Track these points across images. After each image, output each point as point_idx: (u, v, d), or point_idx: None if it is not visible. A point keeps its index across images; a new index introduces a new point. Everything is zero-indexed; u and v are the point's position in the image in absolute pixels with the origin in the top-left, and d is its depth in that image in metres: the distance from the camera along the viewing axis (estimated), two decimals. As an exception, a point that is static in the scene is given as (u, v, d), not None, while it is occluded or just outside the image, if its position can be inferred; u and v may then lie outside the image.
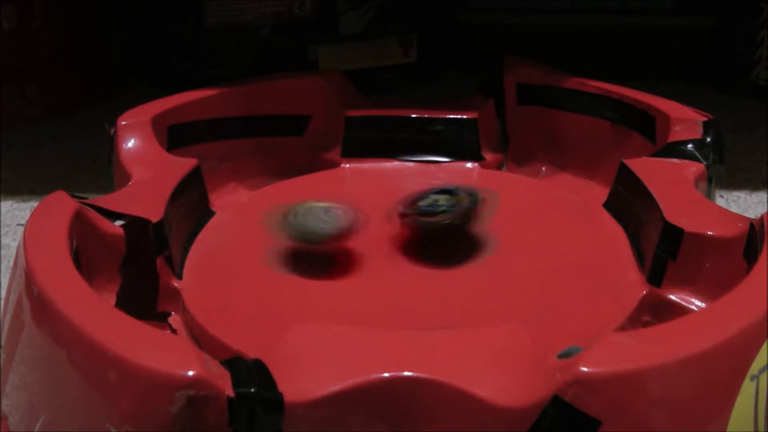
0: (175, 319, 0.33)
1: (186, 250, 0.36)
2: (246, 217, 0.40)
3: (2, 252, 0.44)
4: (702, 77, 0.67)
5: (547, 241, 0.37)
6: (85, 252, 0.31)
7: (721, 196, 0.49)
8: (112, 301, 0.31)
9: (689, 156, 0.38)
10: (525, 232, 0.38)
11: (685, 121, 0.40)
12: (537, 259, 0.36)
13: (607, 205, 0.39)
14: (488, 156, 0.46)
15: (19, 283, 0.28)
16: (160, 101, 0.42)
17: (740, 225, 0.32)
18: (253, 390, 0.22)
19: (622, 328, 0.31)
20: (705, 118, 0.40)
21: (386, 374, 0.22)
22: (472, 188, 0.37)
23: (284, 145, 0.47)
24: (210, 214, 0.39)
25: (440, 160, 0.46)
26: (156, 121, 0.40)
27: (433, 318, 0.33)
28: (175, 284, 0.34)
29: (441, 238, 0.37)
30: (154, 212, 0.33)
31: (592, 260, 0.36)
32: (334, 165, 0.46)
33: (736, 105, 0.64)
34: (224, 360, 0.23)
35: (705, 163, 0.37)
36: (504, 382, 0.22)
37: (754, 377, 0.24)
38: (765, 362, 0.24)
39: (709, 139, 0.38)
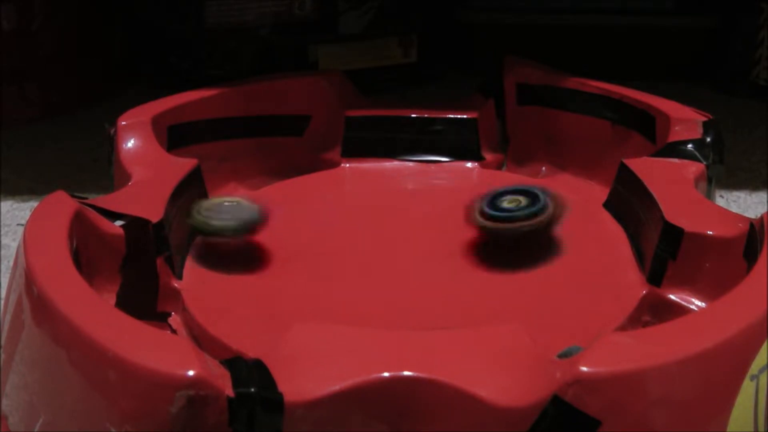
0: (175, 319, 0.33)
1: (186, 251, 0.36)
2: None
3: (2, 252, 0.44)
4: (702, 77, 0.67)
5: (547, 241, 0.37)
6: (85, 252, 0.31)
7: (721, 196, 0.49)
8: (112, 301, 0.31)
9: (689, 156, 0.38)
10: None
11: (685, 121, 0.40)
12: (537, 259, 0.36)
13: (607, 205, 0.39)
14: (488, 156, 0.46)
15: (19, 283, 0.28)
16: (160, 101, 0.42)
17: (740, 225, 0.32)
18: (253, 390, 0.22)
19: (622, 328, 0.31)
20: (705, 118, 0.40)
21: (386, 374, 0.22)
22: (550, 191, 0.36)
23: (284, 145, 0.47)
24: (210, 214, 0.39)
25: (440, 160, 0.46)
26: (156, 121, 0.40)
27: (433, 318, 0.33)
28: (175, 284, 0.34)
29: (517, 243, 0.36)
30: (154, 212, 0.33)
31: (592, 260, 0.36)
32: (334, 165, 0.46)
33: (736, 105, 0.64)
34: (224, 360, 0.23)
35: (705, 163, 0.37)
36: (504, 382, 0.22)
37: (754, 377, 0.24)
38: (765, 362, 0.24)
39: (709, 139, 0.38)
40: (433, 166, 0.45)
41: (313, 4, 0.64)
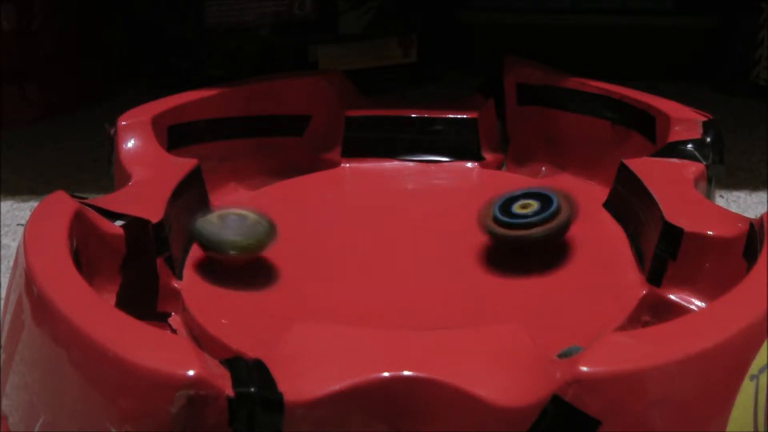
0: (175, 319, 0.33)
1: (186, 251, 0.36)
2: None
3: (2, 252, 0.44)
4: (702, 77, 0.67)
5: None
6: (85, 252, 0.31)
7: (721, 196, 0.49)
8: (112, 301, 0.31)
9: (689, 156, 0.38)
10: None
11: (685, 121, 0.40)
12: (537, 259, 0.36)
13: (607, 205, 0.39)
14: (488, 156, 0.46)
15: (19, 283, 0.28)
16: (160, 101, 0.42)
17: (740, 225, 0.32)
18: (253, 390, 0.22)
19: (622, 328, 0.31)
20: (705, 118, 0.40)
21: (386, 374, 0.22)
22: (561, 193, 0.35)
23: (284, 145, 0.47)
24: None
25: (440, 160, 0.46)
26: (156, 121, 0.40)
27: (432, 318, 0.33)
28: (175, 284, 0.34)
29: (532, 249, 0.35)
30: (154, 212, 0.33)
31: (592, 260, 0.36)
32: (334, 165, 0.46)
33: (736, 105, 0.64)
34: (224, 360, 0.23)
35: (705, 163, 0.37)
36: (504, 382, 0.22)
37: (753, 377, 0.24)
38: (765, 362, 0.24)
39: (709, 139, 0.38)
40: (433, 166, 0.45)
41: (313, 4, 0.64)
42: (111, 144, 0.40)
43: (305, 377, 0.22)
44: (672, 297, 0.32)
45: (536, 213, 0.34)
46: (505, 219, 0.34)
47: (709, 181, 0.38)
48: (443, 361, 0.23)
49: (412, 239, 0.38)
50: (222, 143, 0.45)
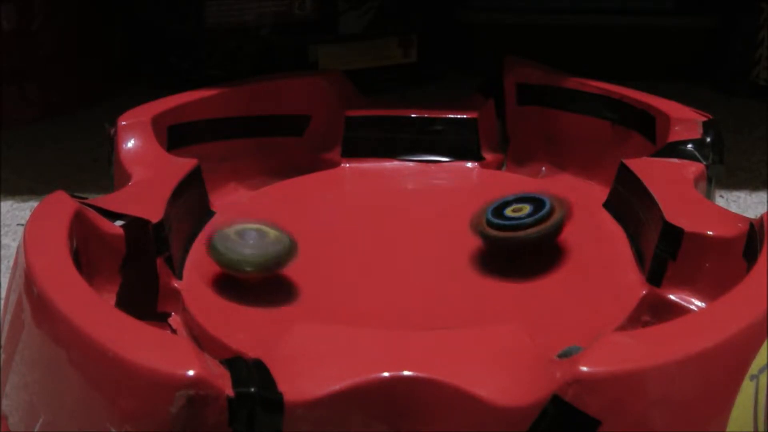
0: (175, 319, 0.33)
1: (186, 251, 0.36)
2: (246, 217, 0.40)
3: (2, 252, 0.44)
4: (702, 77, 0.67)
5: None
6: (85, 252, 0.31)
7: (721, 196, 0.49)
8: (112, 301, 0.31)
9: (689, 156, 0.38)
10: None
11: (685, 121, 0.40)
12: (537, 259, 0.36)
13: (607, 205, 0.39)
14: (488, 156, 0.46)
15: (19, 283, 0.28)
16: (160, 101, 0.42)
17: (740, 225, 0.32)
18: (253, 390, 0.22)
19: (622, 328, 0.31)
20: (705, 118, 0.40)
21: (386, 374, 0.22)
22: (553, 196, 0.35)
23: (284, 145, 0.47)
24: (210, 214, 0.39)
25: (440, 160, 0.46)
26: (156, 121, 0.40)
27: (432, 318, 0.33)
28: (175, 284, 0.34)
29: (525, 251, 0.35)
30: (154, 212, 0.33)
31: (592, 260, 0.36)
32: (334, 165, 0.46)
33: (736, 105, 0.64)
34: (224, 360, 0.23)
35: (705, 163, 0.37)
36: (504, 381, 0.22)
37: (753, 377, 0.24)
38: (765, 362, 0.24)
39: (709, 139, 0.38)
40: (433, 166, 0.45)
41: (313, 4, 0.64)
42: (111, 144, 0.40)
43: (305, 377, 0.22)
44: (672, 297, 0.32)
45: (528, 215, 0.34)
46: (497, 221, 0.34)
47: (709, 181, 0.38)
48: (443, 361, 0.23)
49: (412, 239, 0.38)
50: (222, 143, 0.45)
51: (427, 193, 0.43)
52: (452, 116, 0.46)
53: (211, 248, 0.33)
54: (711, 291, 0.31)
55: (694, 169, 0.37)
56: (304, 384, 0.22)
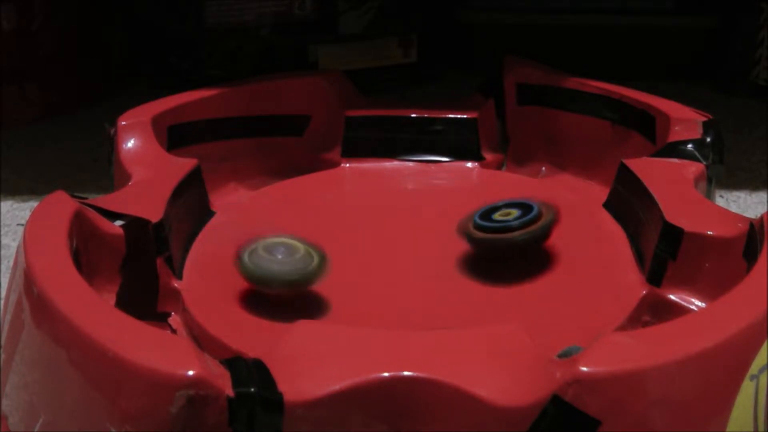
0: (175, 319, 0.33)
1: (186, 251, 0.36)
2: (246, 217, 0.40)
3: (2, 252, 0.44)
4: (702, 77, 0.67)
5: (547, 242, 0.37)
6: (85, 252, 0.31)
7: (721, 196, 0.49)
8: (112, 301, 0.31)
9: (689, 156, 0.38)
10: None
11: (685, 121, 0.40)
12: (537, 259, 0.36)
13: (607, 205, 0.39)
14: (488, 156, 0.46)
15: (19, 283, 0.28)
16: (160, 101, 0.42)
17: (740, 225, 0.32)
18: (253, 390, 0.22)
19: (622, 328, 0.31)
20: (705, 118, 0.40)
21: (386, 374, 0.22)
22: (542, 202, 0.35)
23: (284, 145, 0.47)
24: (210, 214, 0.39)
25: (440, 160, 0.46)
26: (156, 121, 0.40)
27: (432, 318, 0.33)
28: (175, 284, 0.34)
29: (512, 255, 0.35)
30: (154, 212, 0.33)
31: (592, 260, 0.36)
32: (334, 165, 0.46)
33: (736, 105, 0.64)
34: (224, 360, 0.23)
35: (705, 163, 0.37)
36: (504, 381, 0.22)
37: (753, 377, 0.24)
38: (765, 362, 0.24)
39: (709, 139, 0.38)
40: (433, 166, 0.45)
41: (313, 4, 0.64)
42: (111, 144, 0.40)
43: (305, 377, 0.22)
44: (672, 297, 0.32)
45: (515, 219, 0.34)
46: (484, 224, 0.34)
47: (709, 181, 0.38)
48: (443, 361, 0.23)
49: (412, 239, 0.38)
50: (222, 143, 0.45)
51: (427, 193, 0.43)
52: (452, 116, 0.46)
53: (240, 263, 0.32)
54: (711, 291, 0.31)
55: (694, 169, 0.37)
56: (304, 384, 0.22)
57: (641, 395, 0.22)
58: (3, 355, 0.28)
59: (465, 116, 0.46)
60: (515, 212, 0.35)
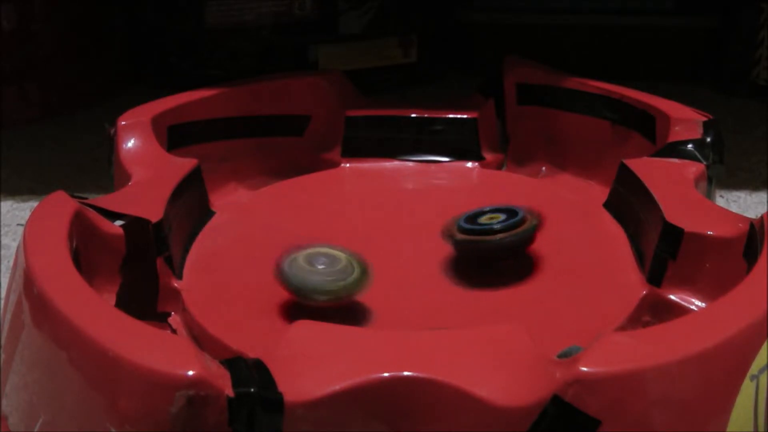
0: (175, 319, 0.33)
1: (186, 250, 0.36)
2: (246, 217, 0.40)
3: (2, 252, 0.44)
4: (702, 77, 0.67)
5: (547, 241, 0.37)
6: (85, 252, 0.31)
7: (721, 196, 0.49)
8: (112, 301, 0.31)
9: (689, 156, 0.38)
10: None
11: (685, 121, 0.40)
12: (537, 259, 0.36)
13: (607, 205, 0.39)
14: (488, 156, 0.46)
15: (18, 283, 0.28)
16: (160, 101, 0.42)
17: (740, 225, 0.32)
18: (253, 390, 0.22)
19: (622, 328, 0.31)
20: (705, 118, 0.40)
21: (386, 374, 0.22)
22: (529, 209, 0.35)
23: (284, 145, 0.47)
24: (210, 214, 0.39)
25: (440, 160, 0.46)
26: (156, 121, 0.40)
27: (432, 318, 0.33)
28: (175, 284, 0.34)
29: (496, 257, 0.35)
30: (154, 212, 0.33)
31: (592, 260, 0.36)
32: (334, 165, 0.46)
33: (736, 105, 0.64)
34: (224, 360, 0.23)
35: (705, 163, 0.37)
36: (504, 381, 0.22)
37: (754, 377, 0.24)
38: (765, 362, 0.24)
39: (709, 139, 0.38)
40: (433, 166, 0.45)
41: (313, 4, 0.64)
42: (111, 144, 0.40)
43: (305, 377, 0.22)
44: (672, 297, 0.32)
45: (500, 222, 0.34)
46: (467, 226, 0.34)
47: (710, 181, 0.38)
48: (443, 361, 0.23)
49: (412, 239, 0.38)
50: (222, 143, 0.45)
51: (427, 193, 0.43)
52: (452, 116, 0.46)
53: (280, 274, 0.31)
54: (711, 291, 0.31)
55: (694, 169, 0.37)
56: (304, 384, 0.22)
57: (641, 395, 0.22)
58: (3, 355, 0.28)
59: (465, 116, 0.46)
60: (500, 216, 0.35)
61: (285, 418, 0.22)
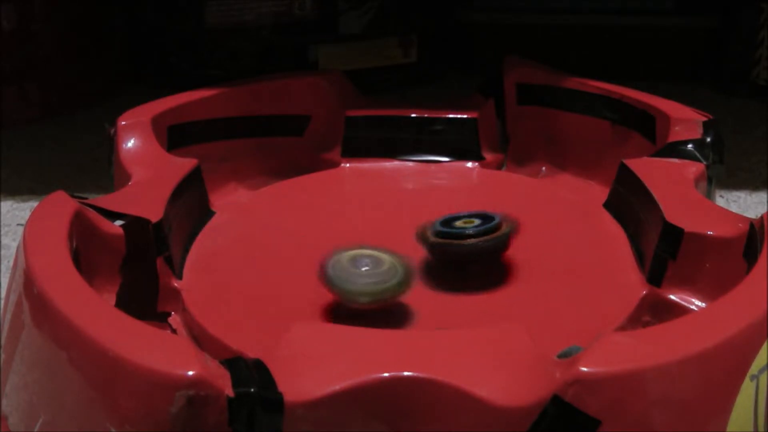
0: (175, 319, 0.33)
1: (186, 250, 0.36)
2: (246, 217, 0.40)
3: (2, 252, 0.44)
4: (702, 77, 0.67)
5: (547, 241, 0.37)
6: (85, 252, 0.31)
7: (721, 196, 0.49)
8: (112, 301, 0.31)
9: (689, 156, 0.38)
10: (525, 232, 0.38)
11: (685, 121, 0.40)
12: (537, 259, 0.36)
13: (607, 205, 0.39)
14: (488, 156, 0.46)
15: (19, 283, 0.28)
16: (160, 101, 0.42)
17: (740, 225, 0.32)
18: (253, 390, 0.22)
19: (622, 328, 0.31)
20: (705, 118, 0.40)
21: (386, 374, 0.22)
22: (505, 215, 0.35)
23: (284, 145, 0.47)
24: (210, 214, 0.39)
25: (440, 160, 0.46)
26: (156, 121, 0.40)
27: (433, 318, 0.33)
28: (175, 284, 0.34)
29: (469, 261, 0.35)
30: (154, 212, 0.33)
31: (592, 260, 0.36)
32: (334, 165, 0.46)
33: (736, 105, 0.64)
34: (224, 360, 0.23)
35: (705, 163, 0.37)
36: (504, 381, 0.22)
37: (754, 377, 0.24)
38: (765, 362, 0.24)
39: (709, 139, 0.38)
40: (433, 166, 0.45)
41: (313, 4, 0.64)
42: (111, 144, 0.40)
43: (305, 377, 0.22)
44: (672, 297, 0.32)
45: (474, 227, 0.34)
46: (442, 229, 0.34)
47: (709, 181, 0.38)
48: (443, 361, 0.23)
49: (412, 239, 0.38)
50: (222, 143, 0.45)
51: (427, 193, 0.43)
52: (452, 116, 0.46)
53: (325, 276, 0.31)
54: (711, 291, 0.31)
55: (694, 169, 0.37)
56: (304, 384, 0.22)
57: (641, 395, 0.22)
58: (3, 355, 0.28)
59: (465, 116, 0.46)
60: (476, 221, 0.35)
61: (285, 418, 0.22)
